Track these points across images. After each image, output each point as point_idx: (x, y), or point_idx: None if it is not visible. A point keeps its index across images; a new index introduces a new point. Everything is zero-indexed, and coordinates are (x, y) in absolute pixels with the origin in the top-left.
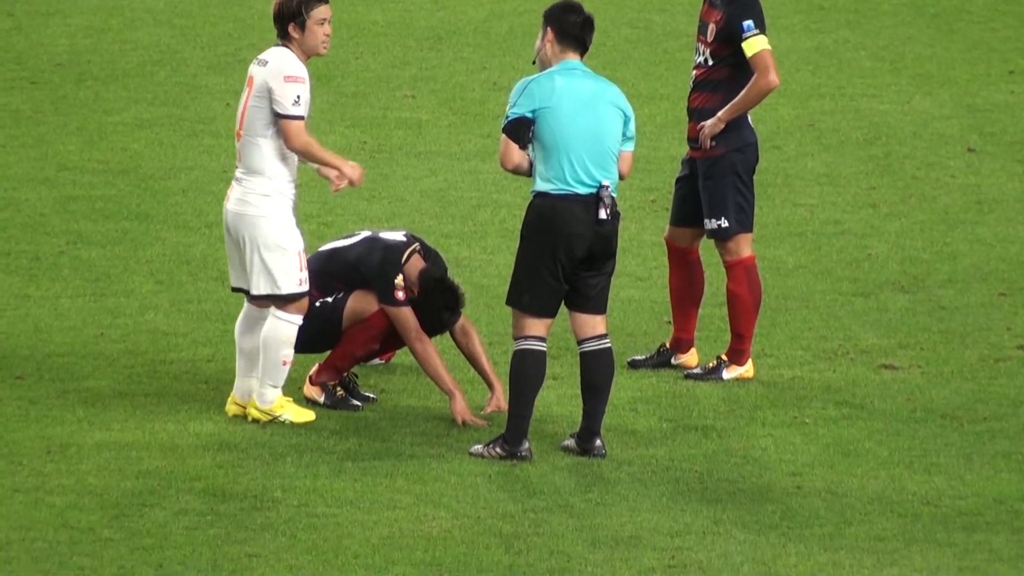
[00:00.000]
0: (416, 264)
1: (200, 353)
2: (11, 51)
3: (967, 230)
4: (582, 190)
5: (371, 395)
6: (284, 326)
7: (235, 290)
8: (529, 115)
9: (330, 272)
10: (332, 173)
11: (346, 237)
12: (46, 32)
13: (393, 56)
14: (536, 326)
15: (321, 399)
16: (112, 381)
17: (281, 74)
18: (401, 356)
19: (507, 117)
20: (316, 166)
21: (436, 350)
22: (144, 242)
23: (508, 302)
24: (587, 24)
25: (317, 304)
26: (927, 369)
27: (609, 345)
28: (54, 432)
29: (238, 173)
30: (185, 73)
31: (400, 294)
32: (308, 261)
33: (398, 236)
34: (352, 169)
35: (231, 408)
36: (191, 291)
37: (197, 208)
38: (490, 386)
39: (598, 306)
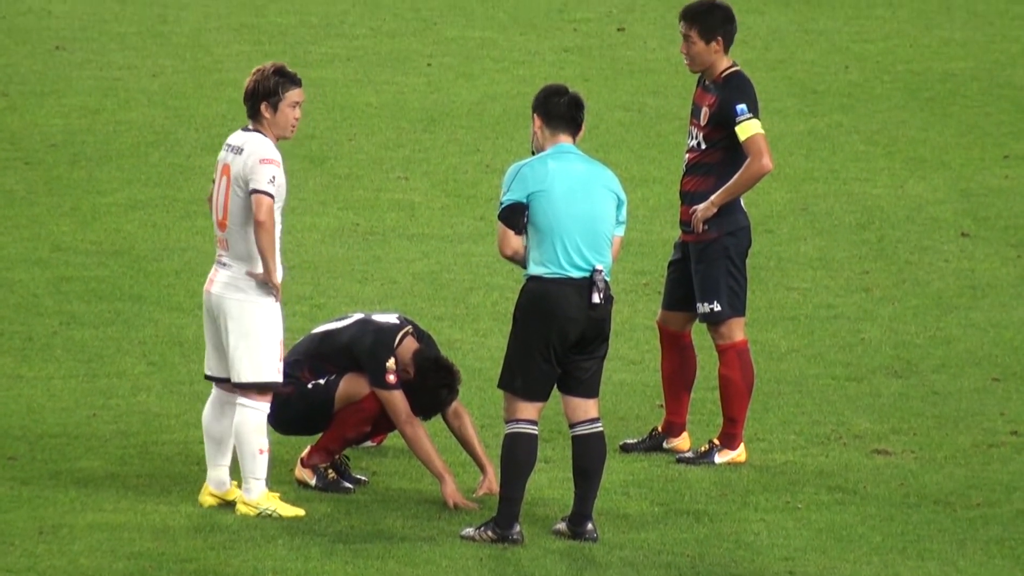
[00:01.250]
0: (410, 346)
1: (192, 435)
2: (5, 131)
3: (961, 315)
4: (576, 274)
5: (362, 477)
6: (253, 414)
7: (209, 378)
8: (523, 200)
9: (322, 354)
10: (258, 273)
11: (338, 319)
12: (40, 112)
13: (386, 138)
14: (528, 409)
15: (312, 481)
16: (104, 462)
17: (257, 157)
18: (393, 438)
19: (502, 204)
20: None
21: (426, 433)
22: (137, 323)
23: (500, 385)
24: (573, 103)
25: (309, 386)
26: (920, 454)
27: (601, 429)
28: (46, 513)
29: (224, 259)
30: (179, 154)
31: (391, 377)
32: (300, 343)
33: (391, 319)
34: (275, 287)
35: (205, 499)
36: (183, 373)
37: (190, 289)
38: (482, 469)
39: (590, 390)
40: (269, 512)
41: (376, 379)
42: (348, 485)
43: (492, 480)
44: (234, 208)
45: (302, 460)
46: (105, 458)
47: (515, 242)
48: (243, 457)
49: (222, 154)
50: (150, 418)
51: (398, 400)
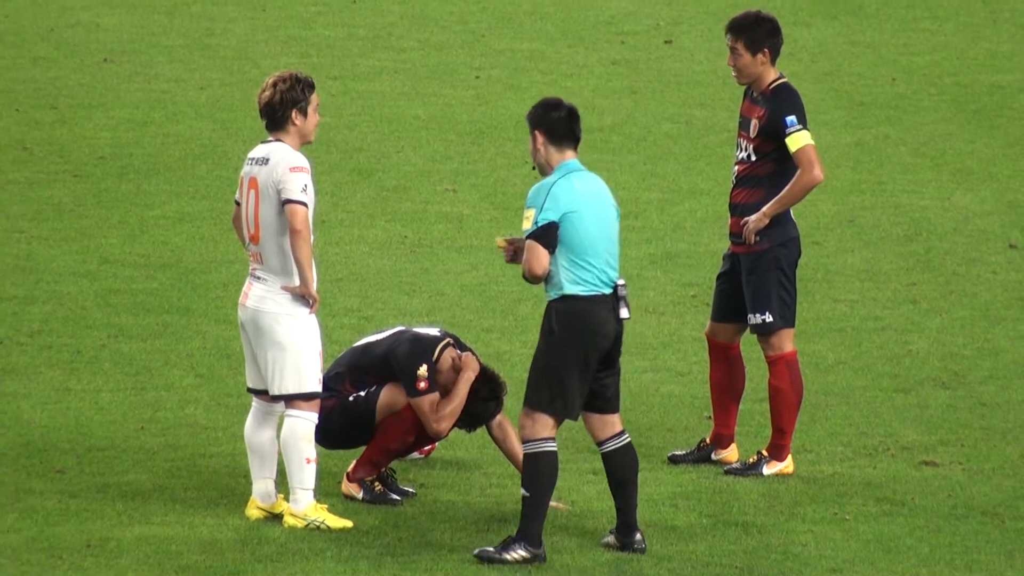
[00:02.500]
0: (451, 356)
1: (240, 447)
2: (54, 144)
3: (1008, 326)
4: (607, 291)
5: (410, 489)
6: (301, 423)
7: (251, 391)
8: (557, 220)
9: (362, 366)
10: (294, 286)
11: (379, 332)
12: (88, 125)
13: (434, 150)
14: (554, 428)
15: (360, 495)
16: (152, 475)
17: (287, 165)
18: (441, 450)
19: (536, 223)
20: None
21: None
22: (185, 336)
23: (535, 407)
24: (572, 116)
25: (350, 399)
26: (968, 466)
27: (629, 439)
28: (94, 526)
29: (258, 272)
30: (226, 167)
31: (422, 384)
32: (342, 356)
33: (431, 331)
34: (313, 298)
35: (252, 512)
36: (231, 385)
37: (237, 302)
38: None
39: (615, 405)
40: (317, 524)
41: (409, 388)
42: (396, 497)
43: None
44: (266, 220)
45: (348, 474)
46: (153, 471)
47: (546, 261)
48: (291, 467)
49: (246, 168)
50: (198, 431)
51: (425, 404)
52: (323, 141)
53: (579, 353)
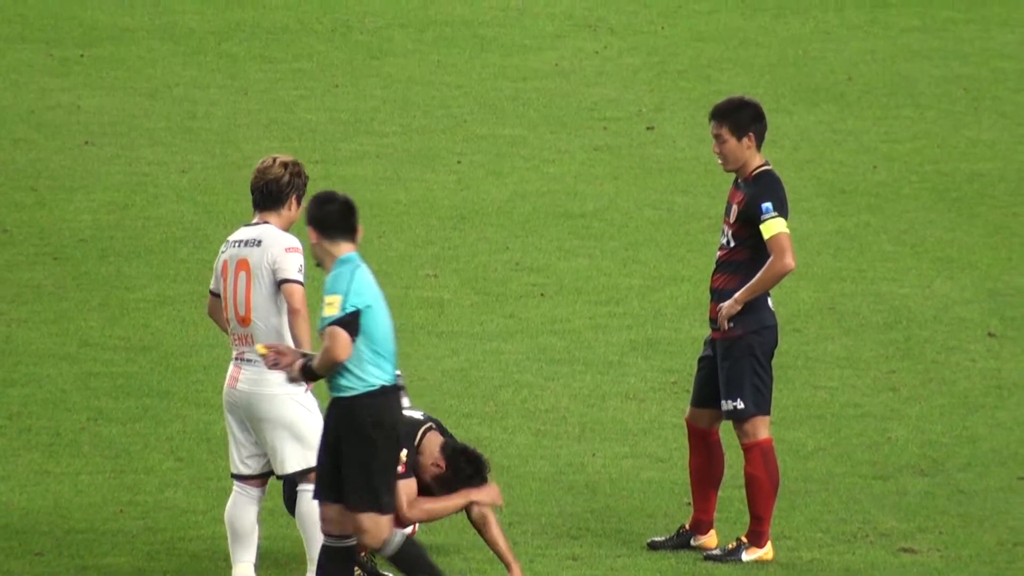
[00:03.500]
0: (434, 439)
1: (220, 531)
2: (34, 226)
3: (987, 414)
4: (397, 382)
5: (389, 575)
6: None
7: (236, 477)
8: (362, 308)
9: None
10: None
11: None
12: (69, 208)
13: (416, 235)
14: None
15: None
16: (131, 558)
17: (282, 246)
18: (421, 534)
19: (345, 310)
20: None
21: (431, 509)
22: (165, 419)
23: (368, 509)
24: (347, 208)
25: None
26: (946, 553)
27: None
28: None
29: (248, 355)
30: (208, 250)
31: (399, 468)
32: None
33: (415, 414)
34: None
35: None
36: (211, 469)
37: (218, 385)
38: (508, 567)
39: None
40: None
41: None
42: None
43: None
44: (258, 302)
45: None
46: (132, 554)
47: (351, 348)
48: (311, 541)
49: (230, 252)
50: (178, 514)
51: (400, 489)
52: (304, 225)
53: (397, 447)
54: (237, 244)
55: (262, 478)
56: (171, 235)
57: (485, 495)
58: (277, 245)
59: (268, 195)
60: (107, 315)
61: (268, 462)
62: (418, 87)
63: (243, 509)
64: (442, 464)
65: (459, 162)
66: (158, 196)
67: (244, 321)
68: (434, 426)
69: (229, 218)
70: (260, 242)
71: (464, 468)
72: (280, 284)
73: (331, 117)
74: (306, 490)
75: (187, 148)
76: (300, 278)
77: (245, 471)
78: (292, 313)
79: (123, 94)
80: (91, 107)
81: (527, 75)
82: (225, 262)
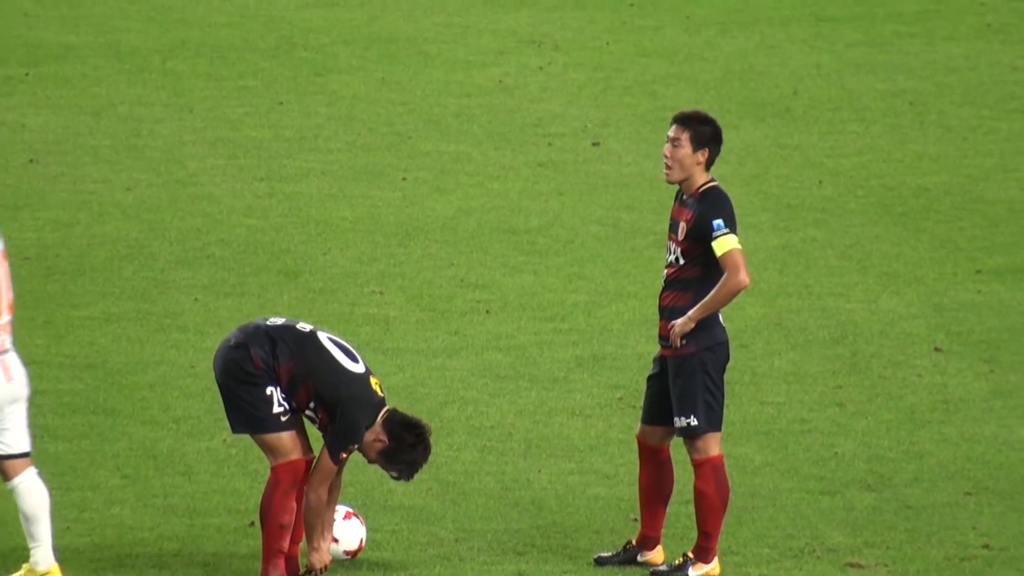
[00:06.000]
0: (378, 425)
1: (166, 547)
2: None
3: (933, 429)
4: None
5: None
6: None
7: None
8: None
9: (323, 397)
10: None
11: (352, 359)
12: (14, 226)
13: (361, 252)
14: None
15: None
16: (78, 574)
17: None
18: (368, 551)
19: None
20: None
21: (325, 509)
22: (111, 437)
23: None
24: None
25: (289, 408)
26: (893, 568)
27: None
28: None
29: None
30: (153, 268)
31: (344, 455)
32: (327, 352)
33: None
34: None
35: None
36: (157, 486)
37: (164, 403)
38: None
39: None
40: None
41: (336, 447)
42: None
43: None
44: None
45: None
46: (79, 571)
47: None
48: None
49: None
50: (124, 531)
51: (330, 468)
52: (250, 242)
53: None
54: None
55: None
56: (116, 253)
57: (317, 559)
58: None
59: None
60: (52, 333)
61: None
62: (363, 104)
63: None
64: (384, 438)
65: (404, 179)
66: (103, 214)
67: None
68: (391, 410)
69: (175, 236)
70: None
71: (405, 436)
72: None
73: (276, 134)
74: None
75: (132, 166)
76: None
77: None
78: None
79: (68, 112)
80: (36, 125)
81: (471, 91)
82: None
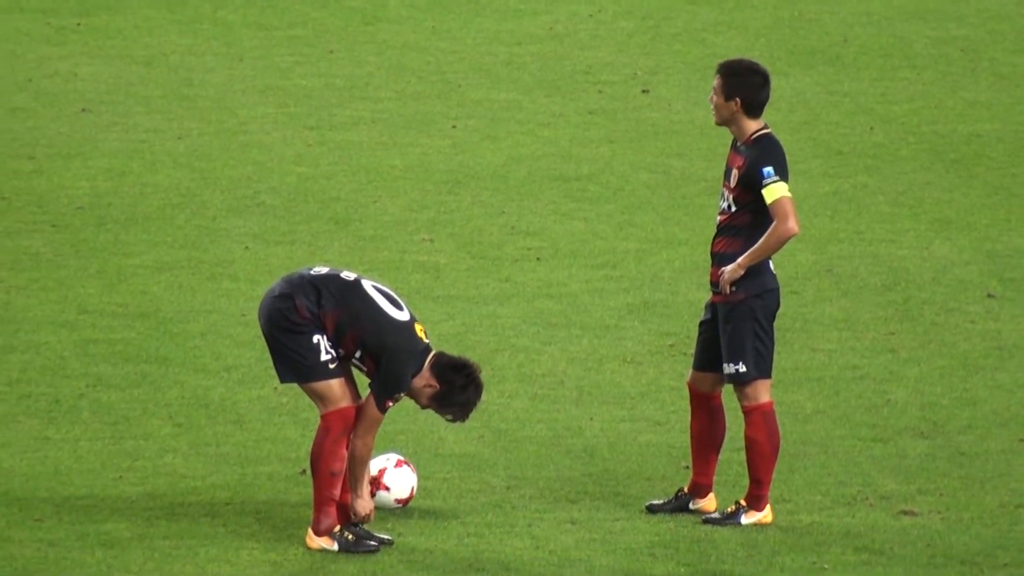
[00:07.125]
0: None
1: (218, 496)
2: (32, 194)
3: (987, 376)
4: None
5: (387, 537)
6: None
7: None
8: None
9: (368, 345)
10: None
11: (396, 307)
12: (67, 175)
13: (411, 200)
14: None
15: (334, 547)
16: (131, 524)
17: None
18: (419, 499)
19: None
20: None
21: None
22: (163, 385)
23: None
24: None
25: (338, 355)
26: (947, 515)
27: None
28: (73, 575)
29: None
30: (205, 216)
31: (391, 403)
32: (372, 299)
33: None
34: None
35: None
36: (209, 434)
37: (216, 351)
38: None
39: None
40: None
41: (382, 394)
42: (373, 543)
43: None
44: None
45: (313, 530)
46: (132, 520)
47: None
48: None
49: None
50: (176, 480)
51: (376, 417)
52: (300, 191)
53: None
54: None
55: None
56: (168, 201)
57: (360, 507)
58: None
59: None
60: (105, 282)
61: None
62: (413, 53)
63: None
64: (434, 383)
65: (454, 127)
66: (155, 163)
67: None
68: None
69: (226, 184)
70: None
71: (454, 379)
72: None
73: (326, 83)
74: None
75: (183, 115)
76: None
77: None
78: None
79: (120, 62)
80: (88, 75)
81: (521, 39)
82: None
